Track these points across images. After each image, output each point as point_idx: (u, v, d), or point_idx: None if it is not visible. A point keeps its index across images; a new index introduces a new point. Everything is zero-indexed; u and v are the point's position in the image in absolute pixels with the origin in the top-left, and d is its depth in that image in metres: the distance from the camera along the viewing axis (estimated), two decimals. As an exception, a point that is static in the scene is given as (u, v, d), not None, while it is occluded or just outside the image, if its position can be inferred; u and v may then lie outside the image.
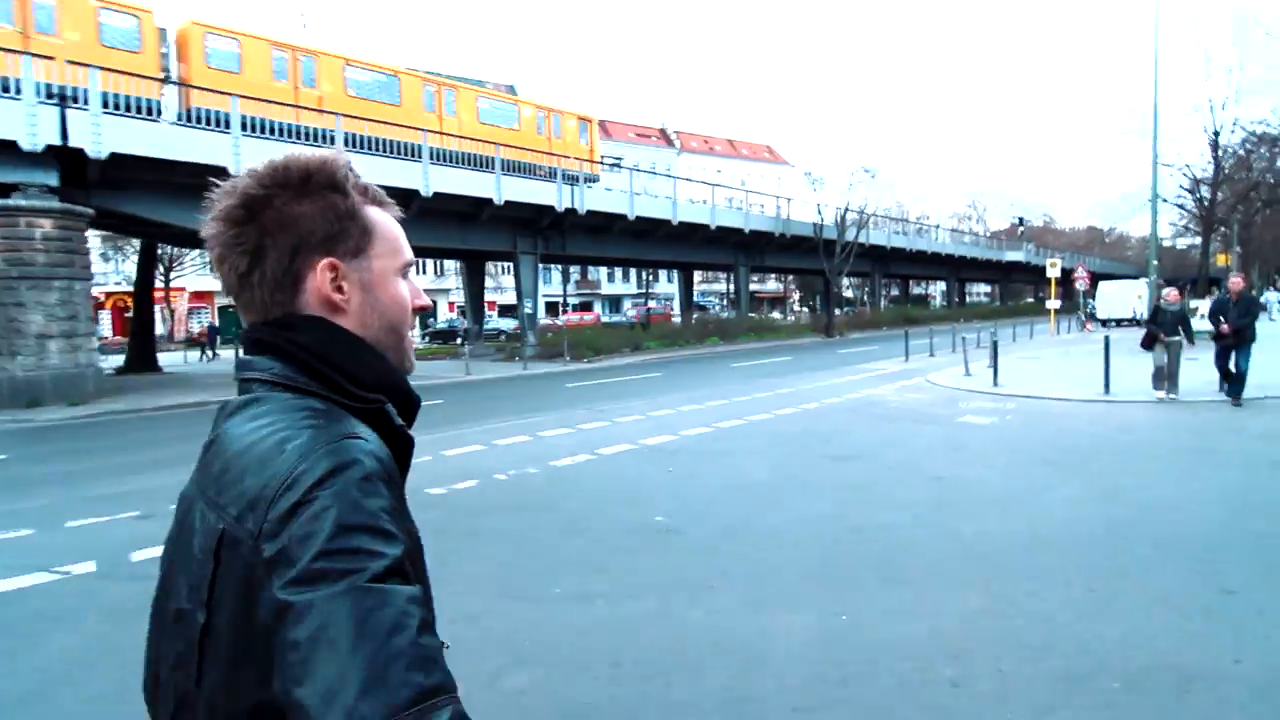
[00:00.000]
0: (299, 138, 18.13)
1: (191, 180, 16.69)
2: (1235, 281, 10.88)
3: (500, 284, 47.48)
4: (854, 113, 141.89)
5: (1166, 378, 10.88)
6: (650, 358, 24.80)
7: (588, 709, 3.10)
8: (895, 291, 76.61)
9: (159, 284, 40.13)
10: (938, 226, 47.80)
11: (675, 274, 41.70)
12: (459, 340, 33.39)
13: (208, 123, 16.41)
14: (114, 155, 14.87)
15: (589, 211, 24.63)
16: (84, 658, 3.72)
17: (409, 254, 0.93)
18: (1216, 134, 25.21)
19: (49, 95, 14.43)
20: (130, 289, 30.55)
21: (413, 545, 0.78)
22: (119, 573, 4.83)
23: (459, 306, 49.20)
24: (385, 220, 0.90)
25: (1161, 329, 10.88)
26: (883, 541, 5.02)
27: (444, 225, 22.16)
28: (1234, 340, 10.12)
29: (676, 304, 43.53)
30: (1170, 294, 11.37)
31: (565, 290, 61.36)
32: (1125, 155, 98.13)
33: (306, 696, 0.61)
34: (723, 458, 8.11)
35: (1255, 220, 42.91)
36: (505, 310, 47.86)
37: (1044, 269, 41.71)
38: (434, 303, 42.85)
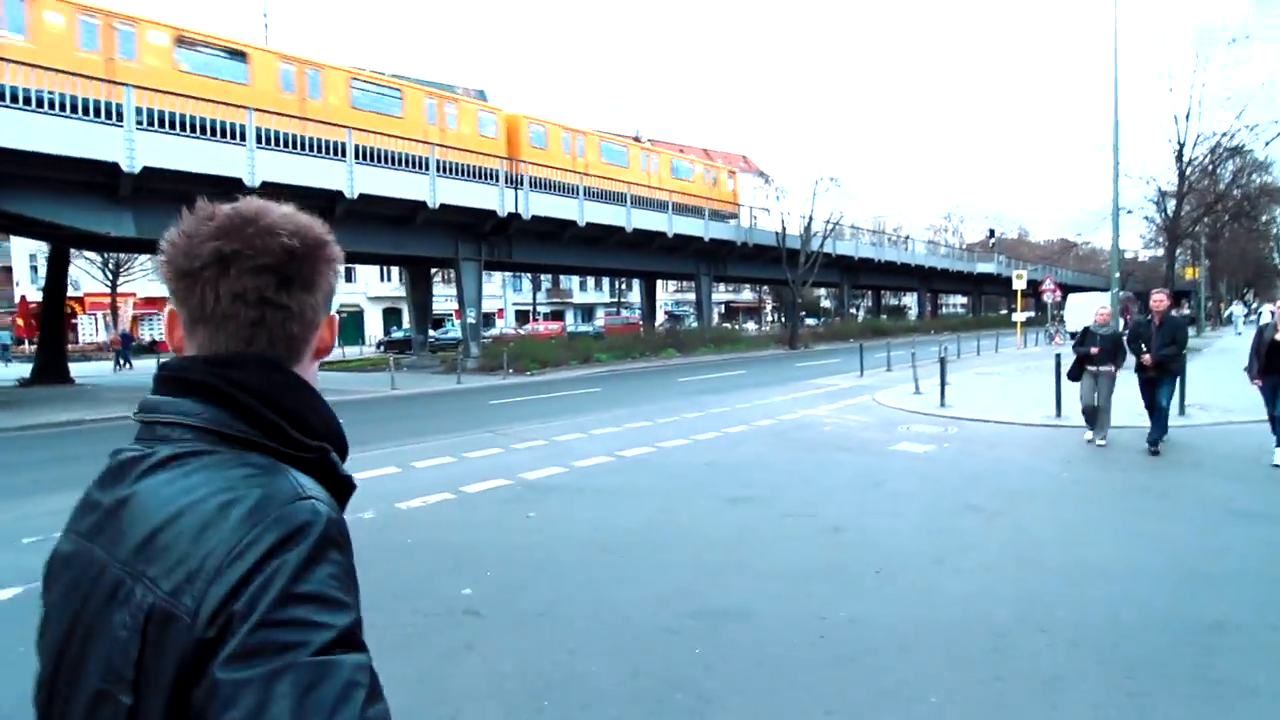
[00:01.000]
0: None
1: (84, 178, 15.34)
2: (1157, 299, 8.50)
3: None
4: (834, 126, 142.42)
5: (1095, 418, 8.79)
6: (597, 370, 23.61)
7: None
8: (871, 302, 76.70)
9: (105, 290, 38.49)
10: (908, 237, 47.21)
11: (639, 283, 40.69)
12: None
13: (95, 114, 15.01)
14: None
15: (536, 217, 23.47)
16: None
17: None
18: (1181, 145, 24.64)
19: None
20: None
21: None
22: None
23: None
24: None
25: (1091, 355, 8.67)
26: (716, 641, 3.83)
27: (375, 230, 20.89)
28: (1155, 373, 8.21)
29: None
30: (1100, 313, 9.13)
31: (535, 298, 60.14)
32: (1098, 168, 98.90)
33: None
34: (602, 498, 6.94)
35: (1223, 233, 42.86)
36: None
37: (1040, 283, 41.49)
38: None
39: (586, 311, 64.72)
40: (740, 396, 15.16)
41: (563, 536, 5.74)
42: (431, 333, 33.68)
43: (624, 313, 53.76)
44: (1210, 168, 27.20)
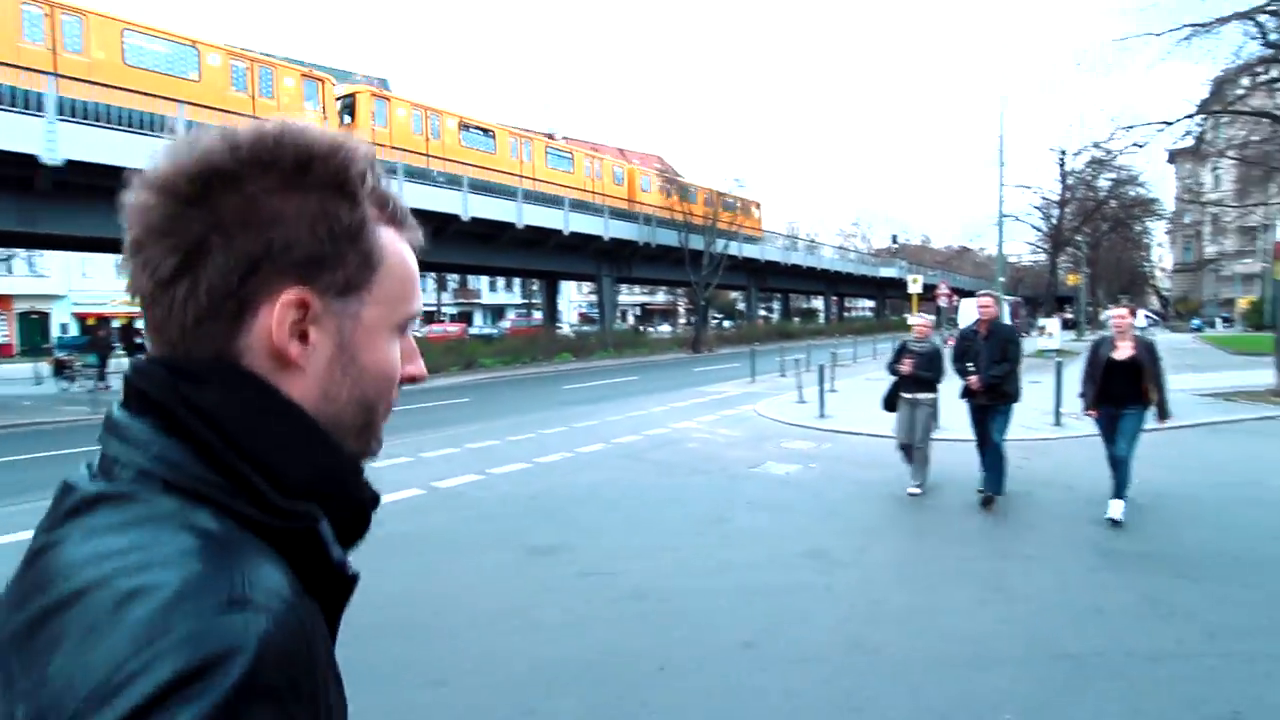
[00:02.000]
0: None
1: None
2: (983, 304, 6.51)
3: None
4: (751, 134, 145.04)
5: (913, 457, 6.84)
6: (480, 378, 21.88)
7: None
8: (780, 305, 77.85)
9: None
10: (812, 240, 47.61)
11: (540, 284, 39.08)
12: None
13: None
14: None
15: (412, 210, 21.55)
16: None
17: (418, 303, 0.64)
18: (1063, 155, 25.40)
19: None
20: None
21: None
22: None
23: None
24: (400, 251, 0.61)
25: (899, 373, 6.81)
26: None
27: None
28: (985, 399, 6.36)
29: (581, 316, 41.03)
30: (919, 324, 7.16)
31: (440, 299, 57.36)
32: (993, 178, 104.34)
33: None
34: (375, 551, 5.46)
35: (1102, 242, 45.37)
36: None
37: (934, 287, 42.35)
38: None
39: (497, 313, 62.48)
40: (618, 407, 13.94)
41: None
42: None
43: (536, 315, 52.03)
44: (1092, 178, 28.29)
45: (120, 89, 15.81)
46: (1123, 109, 40.31)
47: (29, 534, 0.52)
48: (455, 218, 22.93)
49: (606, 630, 4.02)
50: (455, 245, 24.54)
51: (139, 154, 0.73)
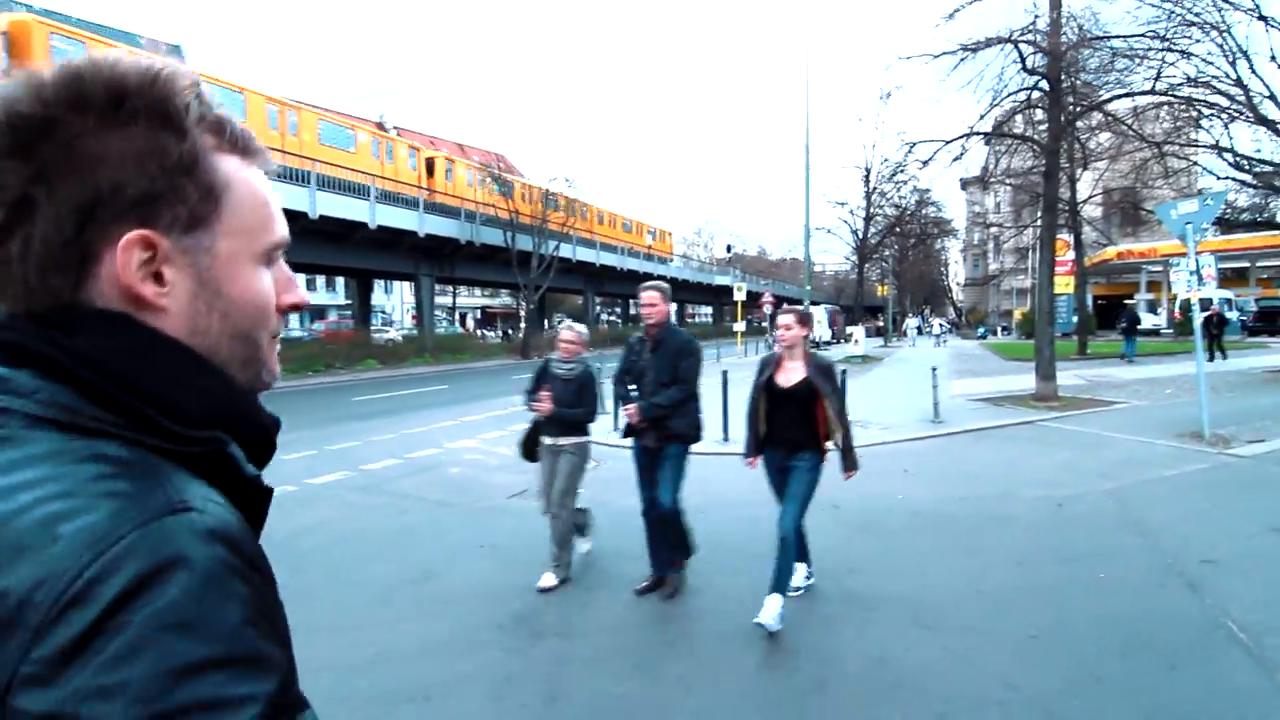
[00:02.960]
0: None
1: None
2: (649, 300, 4.56)
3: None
4: (601, 142, 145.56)
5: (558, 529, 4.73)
6: (259, 388, 19.08)
7: None
8: (635, 311, 78.47)
9: None
10: (650, 248, 47.90)
11: (379, 284, 35.78)
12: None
13: None
14: None
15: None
16: None
17: (281, 230, 0.62)
18: (868, 170, 26.98)
19: None
20: None
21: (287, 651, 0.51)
22: None
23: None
24: (245, 179, 0.59)
25: (533, 407, 4.70)
26: None
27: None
28: (652, 439, 4.46)
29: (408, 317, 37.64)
30: (567, 338, 4.78)
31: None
32: (817, 192, 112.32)
33: None
34: None
35: (908, 256, 49.70)
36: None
37: (752, 294, 43.76)
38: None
39: (316, 314, 57.12)
40: (399, 422, 12.29)
41: None
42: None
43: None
44: (897, 197, 30.42)
45: None
46: (917, 131, 44.80)
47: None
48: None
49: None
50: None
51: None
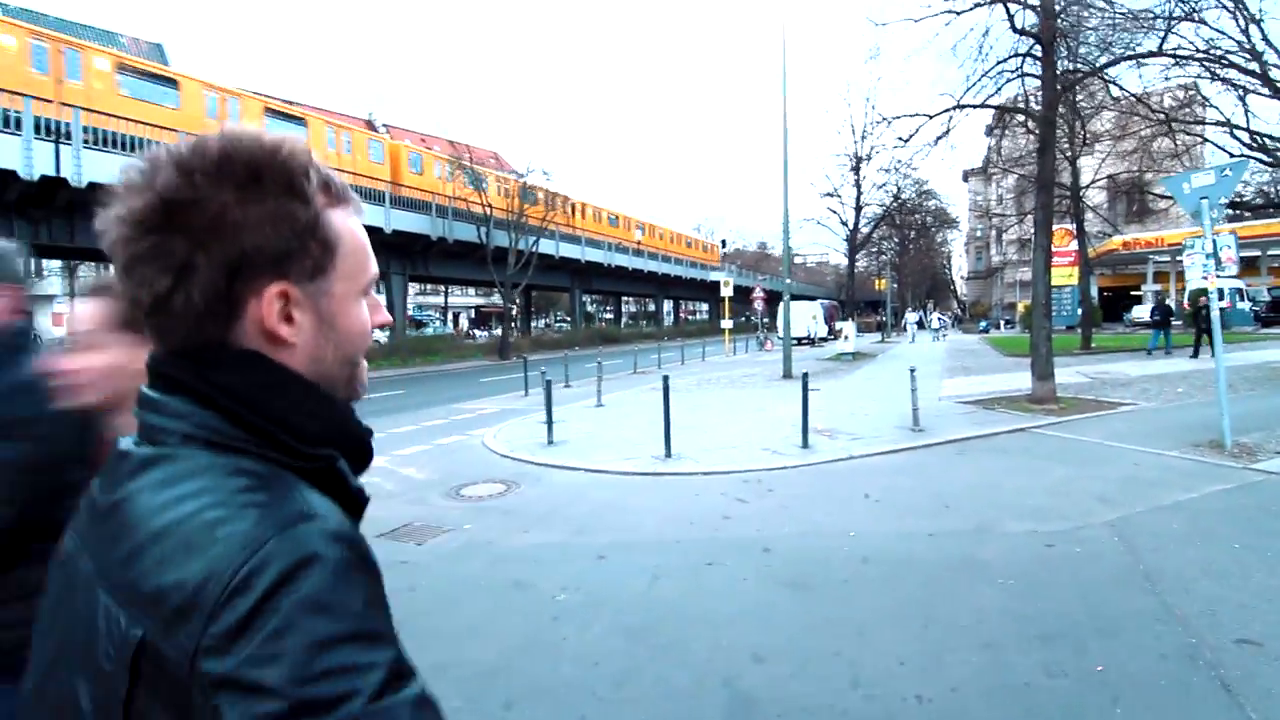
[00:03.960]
0: None
1: None
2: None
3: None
4: (598, 140, 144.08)
5: None
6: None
7: None
8: (634, 308, 76.97)
9: None
10: (639, 243, 46.49)
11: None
12: None
13: None
14: None
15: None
16: None
17: (375, 269, 0.75)
18: (859, 160, 25.59)
19: None
20: None
21: None
22: None
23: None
24: (349, 229, 0.71)
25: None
26: None
27: None
28: None
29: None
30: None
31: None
32: (815, 185, 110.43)
33: None
34: None
35: (909, 248, 48.18)
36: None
37: (749, 290, 42.35)
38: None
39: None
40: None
41: None
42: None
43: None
44: (892, 184, 29.02)
45: None
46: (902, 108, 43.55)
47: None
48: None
49: None
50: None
51: None
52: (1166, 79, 13.20)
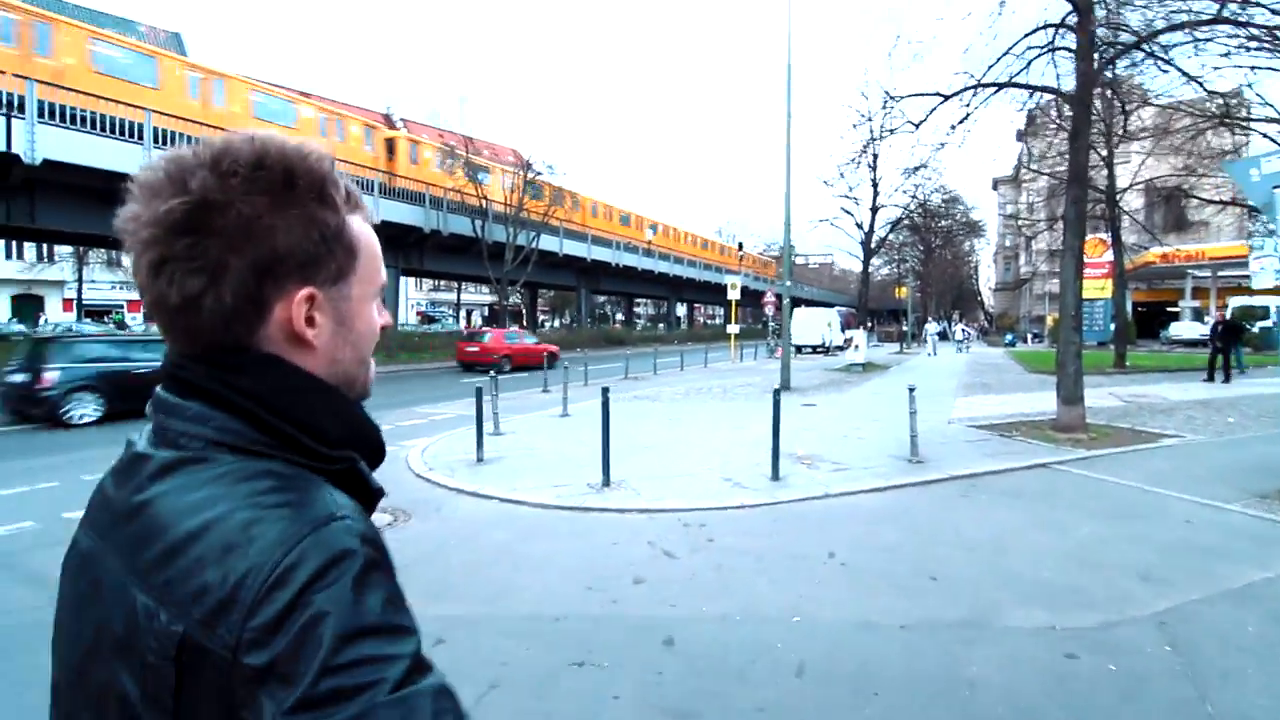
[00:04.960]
0: None
1: None
2: None
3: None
4: (623, 140, 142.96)
5: None
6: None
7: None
8: (651, 310, 75.39)
9: None
10: (650, 244, 44.97)
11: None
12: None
13: None
14: None
15: (74, 166, 16.18)
16: None
17: (385, 273, 0.79)
18: (875, 157, 23.92)
19: None
20: None
21: None
22: None
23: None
24: (366, 234, 0.74)
25: None
26: None
27: None
28: None
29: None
30: None
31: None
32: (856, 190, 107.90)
33: None
34: None
35: (934, 257, 46.10)
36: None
37: (761, 294, 40.66)
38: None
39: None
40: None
41: None
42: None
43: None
44: (914, 186, 27.31)
45: None
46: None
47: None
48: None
49: None
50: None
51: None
52: (1218, 65, 11.48)
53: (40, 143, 15.77)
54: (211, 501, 0.60)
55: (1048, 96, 10.85)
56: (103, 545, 0.67)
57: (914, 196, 29.39)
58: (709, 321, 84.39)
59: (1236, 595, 4.22)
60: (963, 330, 40.56)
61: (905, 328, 45.84)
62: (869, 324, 35.85)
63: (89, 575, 0.68)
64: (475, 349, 22.37)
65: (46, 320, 38.35)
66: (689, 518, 5.86)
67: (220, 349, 0.66)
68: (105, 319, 38.76)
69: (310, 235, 0.66)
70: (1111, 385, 16.02)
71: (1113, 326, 28.94)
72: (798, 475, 7.27)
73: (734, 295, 26.78)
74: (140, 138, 18.04)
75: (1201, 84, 9.95)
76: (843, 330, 36.36)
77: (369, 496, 0.71)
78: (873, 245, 25.47)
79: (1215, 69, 10.73)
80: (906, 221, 28.69)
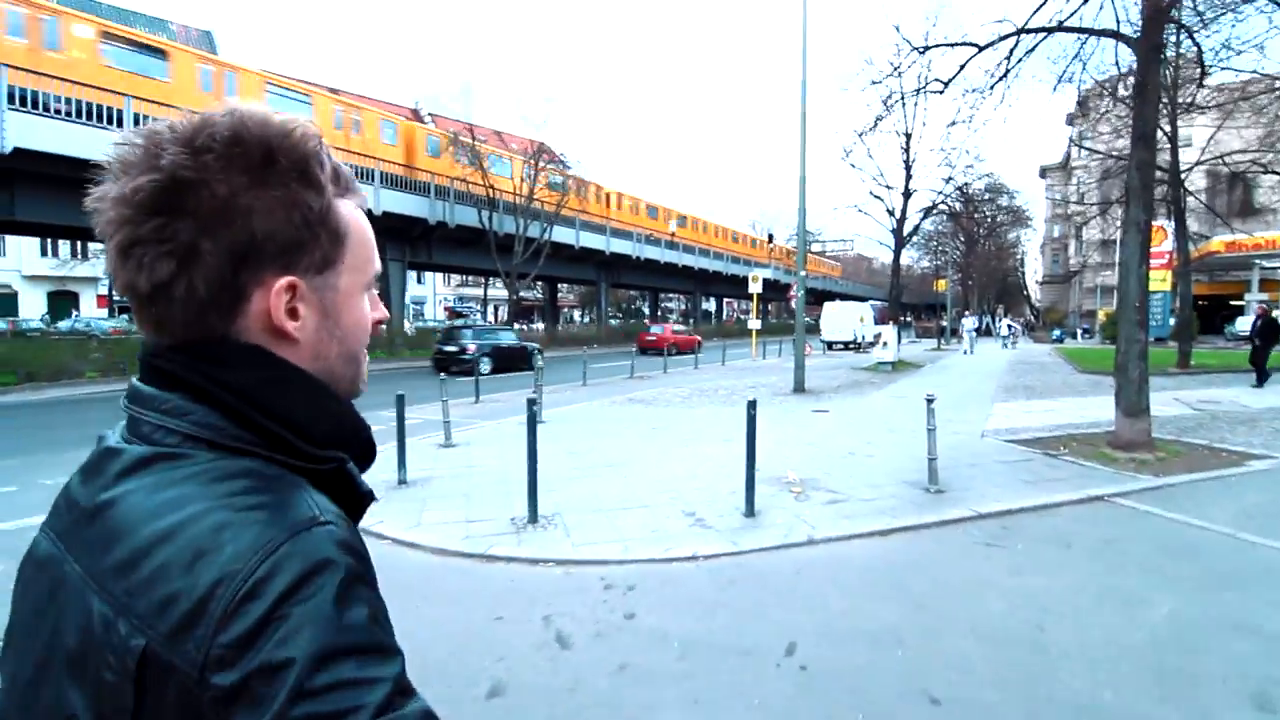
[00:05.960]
0: None
1: None
2: None
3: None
4: (651, 127, 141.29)
5: None
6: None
7: None
8: (683, 305, 73.88)
9: None
10: (673, 235, 43.37)
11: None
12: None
13: None
14: None
15: (62, 157, 15.47)
16: None
17: (379, 264, 0.72)
18: (908, 137, 22.00)
19: None
20: None
21: None
22: None
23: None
24: (357, 220, 0.68)
25: None
26: None
27: None
28: None
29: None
30: None
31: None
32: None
33: None
34: None
35: (977, 248, 43.52)
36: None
37: (789, 287, 38.81)
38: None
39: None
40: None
41: None
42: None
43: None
44: (949, 168, 25.28)
45: None
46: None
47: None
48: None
49: None
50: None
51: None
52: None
53: (12, 130, 15.04)
54: (183, 501, 0.55)
55: (1099, 78, 9.14)
56: (62, 547, 0.61)
57: (949, 179, 27.26)
58: (741, 317, 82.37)
59: None
60: (1009, 325, 38.01)
61: (943, 323, 43.44)
62: (904, 318, 33.73)
63: (45, 581, 0.61)
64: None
65: (79, 315, 38.60)
66: (617, 575, 4.43)
67: (200, 340, 0.60)
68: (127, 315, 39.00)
69: (291, 218, 0.61)
70: (1176, 389, 14.05)
71: (1173, 321, 26.44)
72: (779, 509, 5.78)
73: (755, 288, 25.10)
74: (121, 125, 17.26)
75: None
76: (877, 324, 34.37)
77: (357, 501, 0.66)
78: (905, 234, 23.49)
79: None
80: (944, 208, 26.55)
